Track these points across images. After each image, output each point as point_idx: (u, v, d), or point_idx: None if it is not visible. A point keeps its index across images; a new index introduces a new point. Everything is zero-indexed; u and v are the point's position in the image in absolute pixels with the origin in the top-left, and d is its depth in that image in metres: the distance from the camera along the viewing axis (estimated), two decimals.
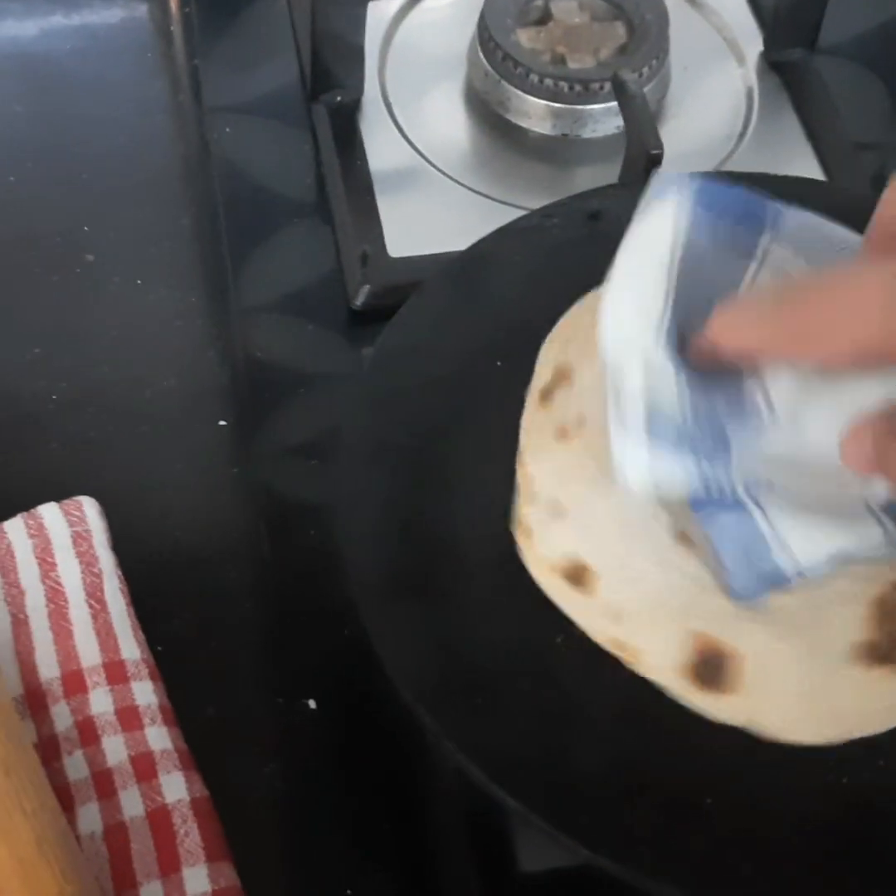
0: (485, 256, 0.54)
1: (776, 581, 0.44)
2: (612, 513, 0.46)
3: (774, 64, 0.72)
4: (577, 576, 0.46)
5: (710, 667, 0.44)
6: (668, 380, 0.43)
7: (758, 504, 0.44)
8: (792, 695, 0.44)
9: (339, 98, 0.68)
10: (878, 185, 0.68)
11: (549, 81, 0.67)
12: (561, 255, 0.55)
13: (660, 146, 0.59)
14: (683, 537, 0.46)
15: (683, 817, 0.42)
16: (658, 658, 0.44)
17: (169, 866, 0.46)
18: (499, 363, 0.52)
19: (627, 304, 0.45)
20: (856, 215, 0.57)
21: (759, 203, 0.49)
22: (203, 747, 0.49)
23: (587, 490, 0.47)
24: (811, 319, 0.39)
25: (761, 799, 0.42)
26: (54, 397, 0.59)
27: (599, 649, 0.45)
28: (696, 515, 0.44)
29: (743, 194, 0.49)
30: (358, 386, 0.52)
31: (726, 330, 0.41)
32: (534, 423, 0.49)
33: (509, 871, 0.47)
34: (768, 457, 0.43)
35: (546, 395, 0.50)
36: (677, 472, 0.43)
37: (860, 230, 0.56)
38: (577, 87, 0.67)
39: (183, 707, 0.50)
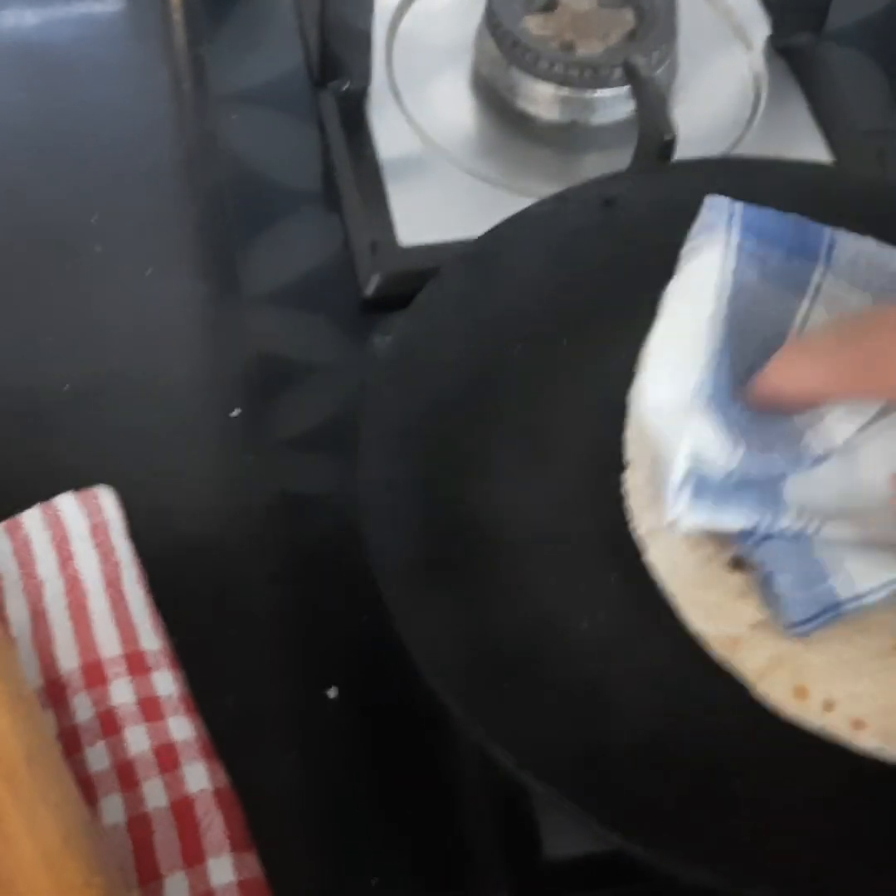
0: (501, 242, 0.54)
1: (831, 606, 0.43)
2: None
3: (782, 49, 0.72)
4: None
5: None
6: (712, 440, 0.43)
7: (811, 534, 0.43)
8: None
9: (346, 86, 0.68)
10: (886, 168, 0.69)
11: (558, 67, 0.67)
12: (576, 240, 0.55)
13: (673, 131, 0.59)
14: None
15: (714, 802, 0.42)
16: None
17: (193, 857, 0.46)
18: (518, 347, 0.52)
19: (667, 372, 0.46)
20: (864, 199, 0.58)
21: (812, 231, 0.49)
22: (224, 737, 0.49)
23: None
24: (874, 355, 0.39)
25: (792, 782, 0.42)
26: (67, 388, 0.59)
27: (625, 634, 0.45)
28: (747, 544, 0.44)
29: (795, 223, 0.49)
30: (377, 372, 0.51)
31: (786, 375, 0.41)
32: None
33: (536, 858, 0.46)
34: (823, 493, 0.43)
35: None
36: (727, 522, 0.43)
37: (869, 214, 0.56)
38: (587, 73, 0.67)
39: (203, 697, 0.50)
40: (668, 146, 0.59)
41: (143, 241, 0.64)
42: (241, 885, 0.45)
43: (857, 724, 0.44)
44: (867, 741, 0.43)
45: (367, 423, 0.48)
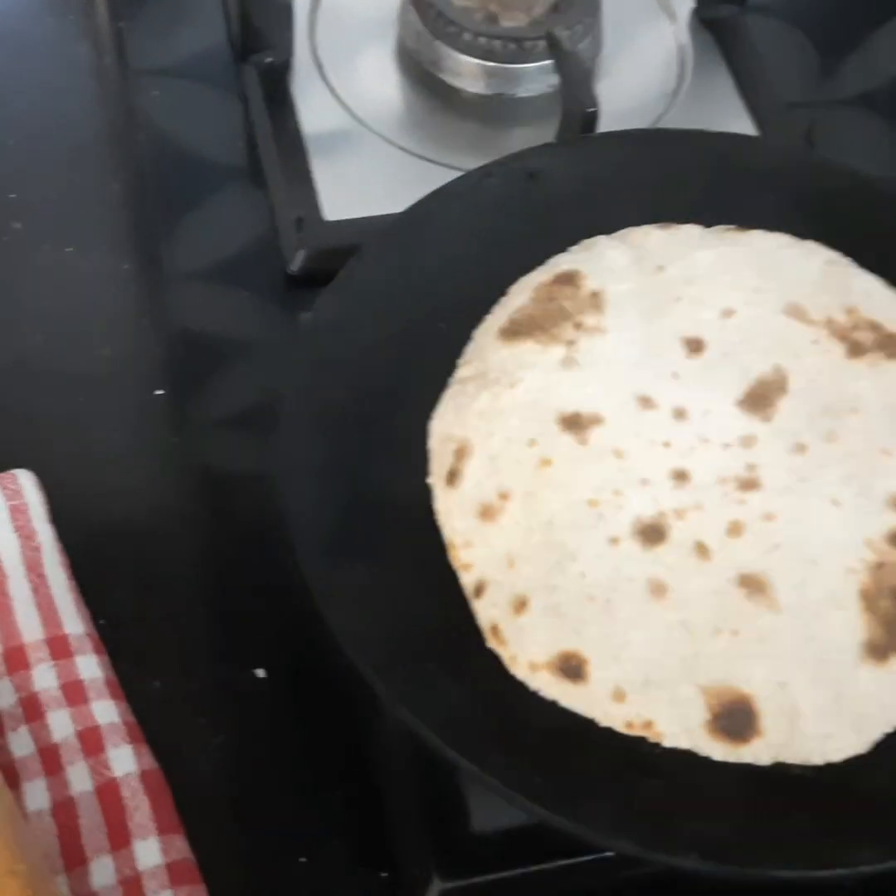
0: (423, 218, 0.54)
1: None
2: (577, 588, 0.45)
3: (706, 21, 0.72)
4: (566, 667, 0.44)
5: (732, 718, 0.43)
6: None
7: None
8: (818, 716, 0.43)
9: (268, 59, 0.67)
10: (813, 140, 0.69)
11: (482, 40, 0.66)
12: (500, 215, 0.54)
13: (596, 104, 0.59)
14: (656, 587, 0.45)
15: (637, 770, 0.42)
16: (675, 724, 0.43)
17: (119, 840, 0.45)
18: (441, 325, 0.51)
19: None
20: (785, 170, 0.58)
21: None
22: (152, 720, 0.49)
23: (540, 569, 0.45)
24: None
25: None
26: None
27: None
28: None
29: None
30: (298, 351, 0.51)
31: None
32: (451, 509, 0.47)
33: (464, 832, 0.46)
34: None
35: (453, 476, 0.48)
36: None
37: (790, 185, 0.57)
38: (511, 46, 0.66)
39: (129, 680, 0.49)
40: (591, 119, 0.59)
41: (63, 219, 0.63)
42: (169, 867, 0.45)
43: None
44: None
45: (286, 402, 0.48)
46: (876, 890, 0.45)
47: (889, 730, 0.43)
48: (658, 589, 0.45)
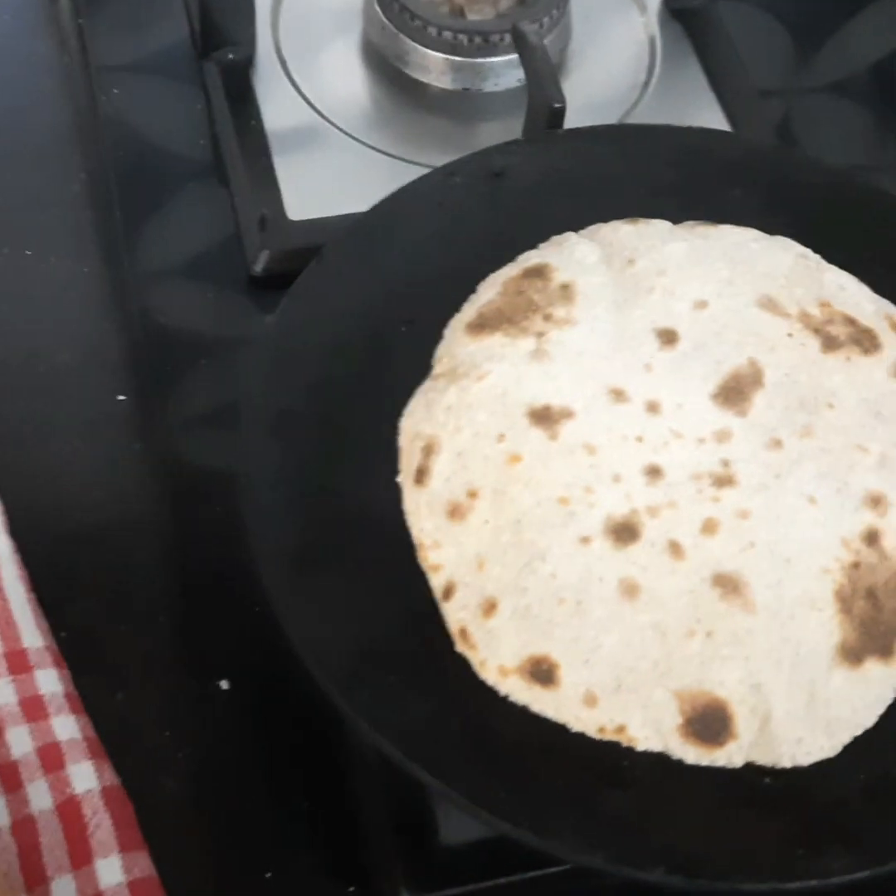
0: (386, 218, 0.53)
1: None
2: (547, 589, 0.44)
3: (676, 12, 0.71)
4: (536, 671, 0.43)
5: (705, 722, 0.42)
6: None
7: None
8: (790, 720, 0.43)
9: (230, 55, 0.66)
10: (782, 134, 0.68)
11: (448, 34, 0.65)
12: (464, 214, 0.54)
13: (562, 100, 0.58)
14: (628, 588, 0.44)
15: (605, 781, 0.41)
16: (648, 728, 0.42)
17: (81, 859, 0.45)
18: (403, 328, 0.50)
19: None
20: (759, 165, 0.57)
21: None
22: (114, 734, 0.48)
23: (510, 570, 0.44)
24: None
25: (678, 761, 0.42)
26: None
27: None
28: None
29: None
30: (259, 354, 0.50)
31: None
32: (419, 508, 0.46)
33: (432, 845, 0.46)
34: None
35: (421, 474, 0.47)
36: None
37: (762, 179, 0.56)
38: (477, 40, 0.65)
39: (91, 694, 0.49)
40: (558, 115, 0.58)
41: (23, 220, 0.62)
42: (132, 884, 0.44)
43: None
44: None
45: (246, 409, 0.47)
46: None
47: (858, 733, 0.43)
48: (630, 590, 0.44)
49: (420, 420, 0.48)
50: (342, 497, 0.46)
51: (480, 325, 0.50)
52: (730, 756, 0.42)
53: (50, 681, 0.48)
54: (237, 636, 0.51)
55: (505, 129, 0.63)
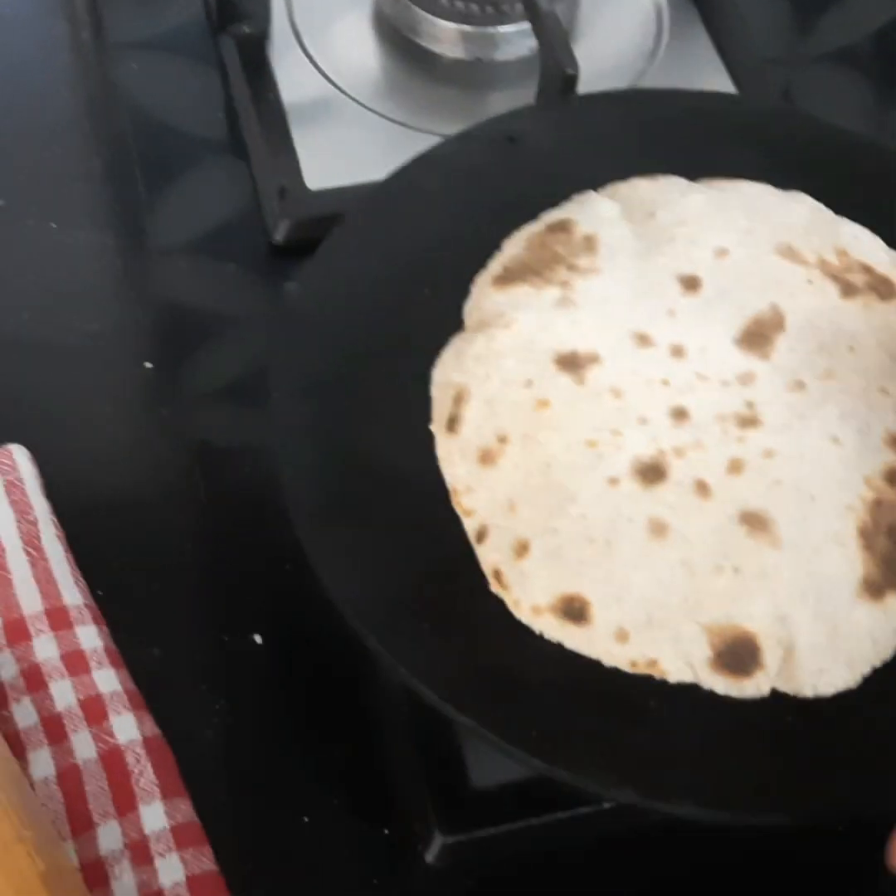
0: (405, 184, 0.54)
1: None
2: (577, 530, 0.45)
3: None
4: (568, 609, 0.44)
5: (735, 654, 0.43)
6: None
7: None
8: (814, 651, 0.44)
9: (245, 29, 0.67)
10: (790, 96, 0.69)
11: (459, 4, 0.67)
12: (481, 179, 0.55)
13: (575, 66, 0.59)
14: (657, 527, 0.45)
15: (635, 720, 0.43)
16: (679, 662, 0.43)
17: (125, 805, 0.46)
18: (426, 291, 0.52)
19: None
20: (766, 128, 0.58)
21: None
22: (152, 688, 0.49)
23: (541, 512, 0.46)
24: None
25: (704, 699, 0.44)
26: None
27: None
28: None
29: None
30: (286, 317, 0.51)
31: None
32: (451, 456, 0.47)
33: (463, 787, 0.47)
34: None
35: (453, 422, 0.48)
36: None
37: (770, 140, 0.57)
38: (488, 9, 0.66)
39: (129, 649, 0.50)
40: (571, 81, 0.59)
41: (47, 195, 0.64)
42: (175, 829, 0.46)
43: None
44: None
45: (276, 370, 0.49)
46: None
47: (878, 665, 0.44)
48: (659, 529, 0.45)
49: (450, 369, 0.49)
50: (374, 451, 0.47)
51: (506, 278, 0.51)
52: (758, 686, 0.43)
53: (90, 636, 0.49)
54: (268, 592, 0.53)
55: (516, 98, 0.64)
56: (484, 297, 0.51)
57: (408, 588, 0.44)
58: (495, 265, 0.52)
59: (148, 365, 0.59)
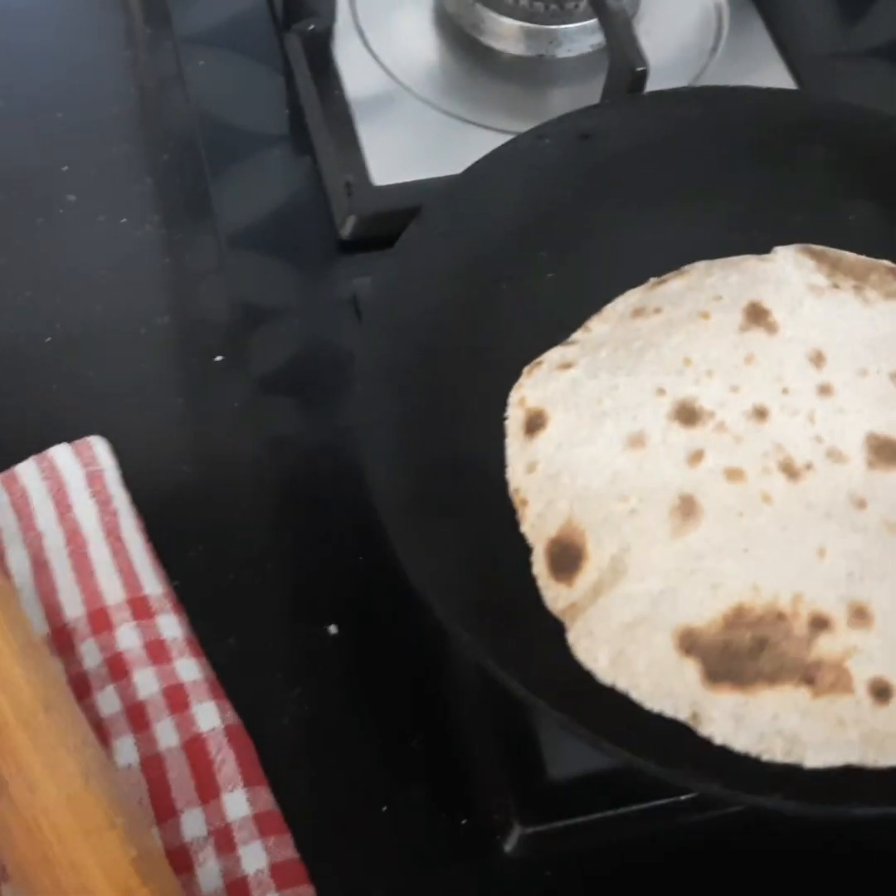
0: (480, 180, 0.54)
1: None
2: None
3: None
4: None
5: None
6: None
7: None
8: None
9: (311, 26, 0.67)
10: (847, 90, 0.69)
11: (523, 1, 0.67)
12: (555, 176, 0.55)
13: (645, 63, 0.59)
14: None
15: None
16: None
17: (208, 793, 0.47)
18: (503, 286, 0.52)
19: None
20: (829, 123, 0.58)
21: None
22: (229, 677, 0.50)
23: None
24: None
25: None
26: (49, 340, 0.59)
27: None
28: None
29: None
30: (367, 314, 0.52)
31: None
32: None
33: (540, 778, 0.48)
34: None
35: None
36: None
37: (832, 137, 0.57)
38: (552, 7, 0.67)
39: (206, 639, 0.51)
40: (640, 78, 0.60)
41: (116, 189, 0.64)
42: (256, 817, 0.47)
43: None
44: None
45: (359, 364, 0.49)
46: None
47: None
48: None
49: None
50: (457, 446, 0.48)
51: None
52: None
53: (171, 626, 0.50)
54: (343, 583, 0.53)
55: (577, 95, 0.65)
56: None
57: (494, 581, 0.45)
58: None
59: (218, 358, 0.59)
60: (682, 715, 0.43)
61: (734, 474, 0.47)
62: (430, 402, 0.49)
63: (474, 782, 0.49)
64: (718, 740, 0.43)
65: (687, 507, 0.46)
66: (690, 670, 0.44)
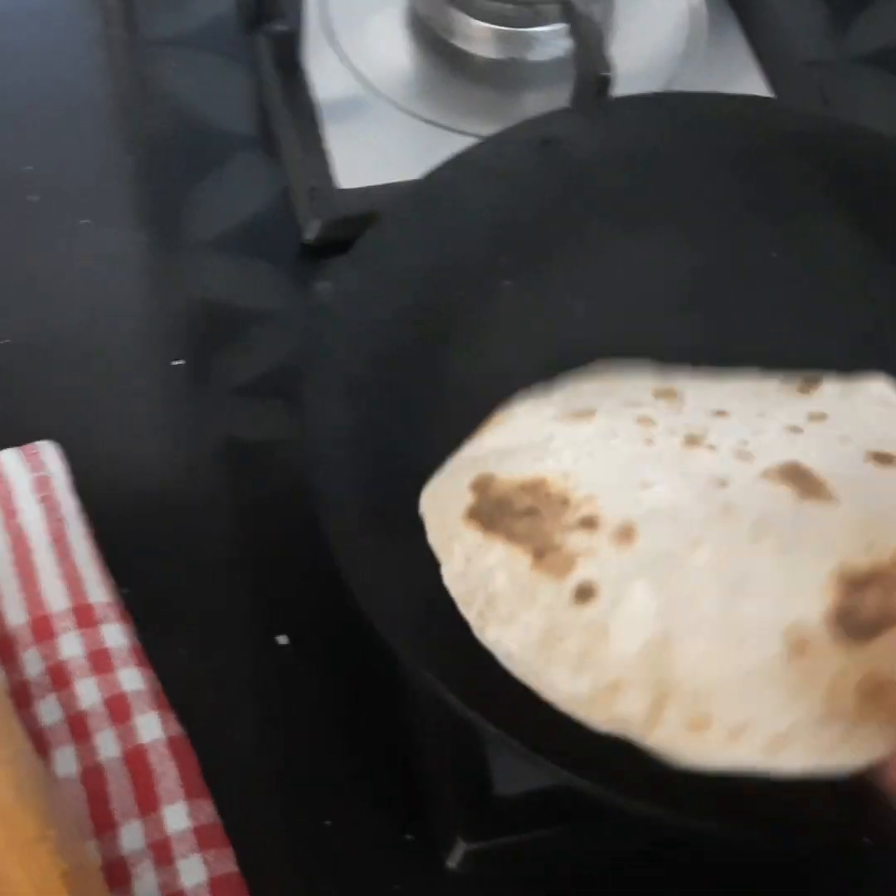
0: (440, 185, 0.54)
1: None
2: None
3: None
4: None
5: None
6: None
7: None
8: None
9: (279, 27, 0.67)
10: (826, 100, 0.69)
11: (494, 4, 0.66)
12: (516, 181, 0.55)
13: (609, 68, 0.59)
14: None
15: None
16: None
17: (148, 805, 0.46)
18: (461, 294, 0.52)
19: None
20: (803, 133, 0.58)
21: None
22: (178, 687, 0.49)
23: None
24: None
25: None
26: (7, 342, 0.58)
27: None
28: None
29: None
30: (319, 319, 0.51)
31: None
32: None
33: (487, 794, 0.47)
34: None
35: None
36: None
37: (815, 149, 0.56)
38: (524, 10, 0.66)
39: (156, 648, 0.50)
40: (605, 83, 0.59)
41: (80, 191, 0.64)
42: (197, 830, 0.46)
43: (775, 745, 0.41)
44: (791, 761, 0.41)
45: (310, 372, 0.48)
46: None
47: None
48: None
49: None
50: (403, 460, 0.47)
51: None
52: None
53: (116, 635, 0.49)
54: (295, 593, 0.52)
55: (549, 99, 0.64)
56: None
57: (438, 597, 0.44)
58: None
59: (177, 362, 0.58)
60: (437, 546, 0.45)
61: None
62: (383, 410, 0.48)
63: (420, 797, 0.48)
64: (446, 578, 0.45)
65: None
66: (463, 503, 0.45)
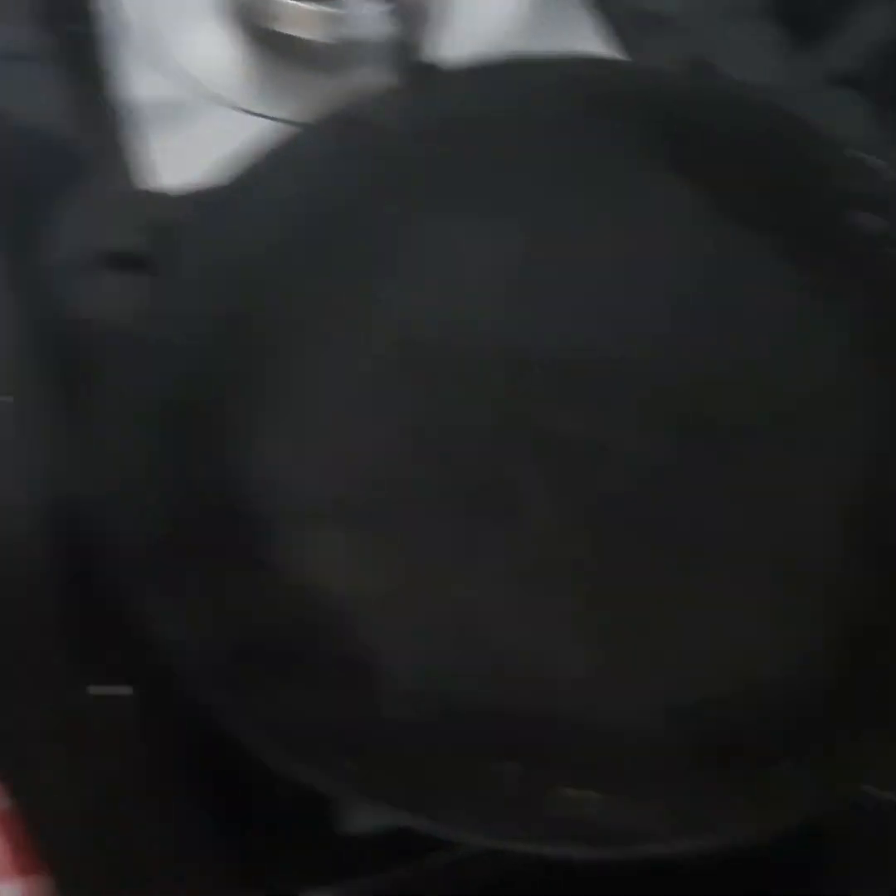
0: (247, 185, 0.50)
1: None
2: None
3: None
4: None
5: None
6: None
7: None
8: None
9: (77, 28, 0.62)
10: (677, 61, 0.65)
11: None
12: (334, 172, 0.51)
13: (429, 41, 0.55)
14: None
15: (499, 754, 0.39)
16: None
17: None
18: (270, 295, 0.48)
19: None
20: (645, 91, 0.54)
21: None
22: None
23: None
24: None
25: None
26: None
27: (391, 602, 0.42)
28: None
29: None
30: (120, 341, 0.47)
31: None
32: None
33: (327, 836, 0.43)
34: None
35: None
36: None
37: (652, 105, 0.53)
38: None
39: None
40: (428, 60, 0.55)
41: None
42: None
43: None
44: None
45: (106, 395, 0.44)
46: None
47: None
48: None
49: None
50: (206, 487, 0.43)
51: None
52: None
53: None
54: (120, 644, 0.48)
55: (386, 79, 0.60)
56: None
57: (248, 630, 0.41)
58: None
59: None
60: None
61: None
62: (188, 434, 0.44)
63: (261, 846, 0.44)
64: None
65: None
66: None
